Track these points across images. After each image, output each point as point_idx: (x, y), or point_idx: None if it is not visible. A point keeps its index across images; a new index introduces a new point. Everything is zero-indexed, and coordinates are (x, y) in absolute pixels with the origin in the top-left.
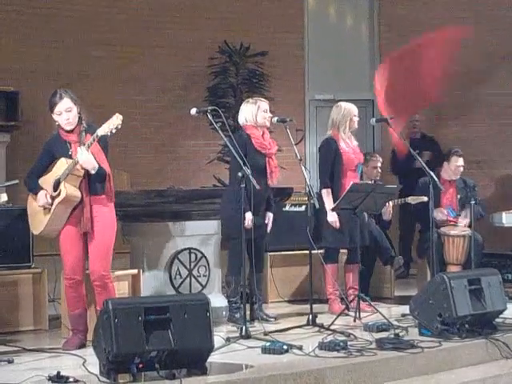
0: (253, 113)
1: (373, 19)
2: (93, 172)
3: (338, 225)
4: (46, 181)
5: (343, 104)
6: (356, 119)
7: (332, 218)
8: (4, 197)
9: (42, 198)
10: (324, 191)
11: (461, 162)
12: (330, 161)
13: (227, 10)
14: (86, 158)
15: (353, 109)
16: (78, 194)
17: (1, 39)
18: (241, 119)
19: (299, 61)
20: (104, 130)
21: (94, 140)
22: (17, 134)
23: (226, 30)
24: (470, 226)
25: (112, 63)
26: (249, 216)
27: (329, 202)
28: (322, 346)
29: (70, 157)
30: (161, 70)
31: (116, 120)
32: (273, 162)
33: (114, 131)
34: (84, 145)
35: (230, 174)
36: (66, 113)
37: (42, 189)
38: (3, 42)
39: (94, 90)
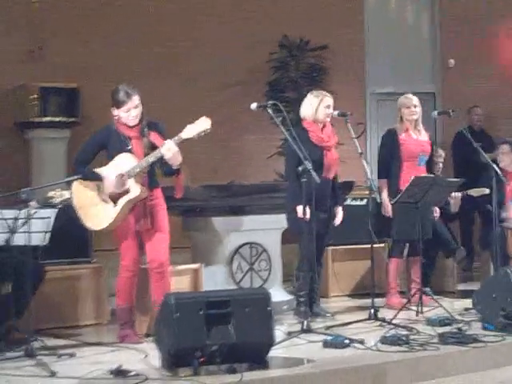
0: (313, 106)
1: (433, 10)
2: (175, 167)
3: (390, 215)
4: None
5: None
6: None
7: (385, 209)
8: (66, 194)
9: (118, 185)
10: (379, 181)
11: (504, 148)
12: (388, 152)
13: (287, 5)
14: (176, 151)
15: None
16: (146, 191)
17: (61, 37)
18: (302, 112)
19: (359, 54)
20: (190, 133)
21: (179, 140)
22: (77, 130)
23: (285, 25)
24: None
25: (172, 59)
26: (300, 210)
27: (383, 194)
28: (384, 341)
29: (130, 151)
30: (221, 65)
31: (205, 123)
32: (331, 154)
33: (202, 135)
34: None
35: (286, 169)
36: (134, 109)
37: (96, 174)
38: (63, 39)
39: (154, 86)
